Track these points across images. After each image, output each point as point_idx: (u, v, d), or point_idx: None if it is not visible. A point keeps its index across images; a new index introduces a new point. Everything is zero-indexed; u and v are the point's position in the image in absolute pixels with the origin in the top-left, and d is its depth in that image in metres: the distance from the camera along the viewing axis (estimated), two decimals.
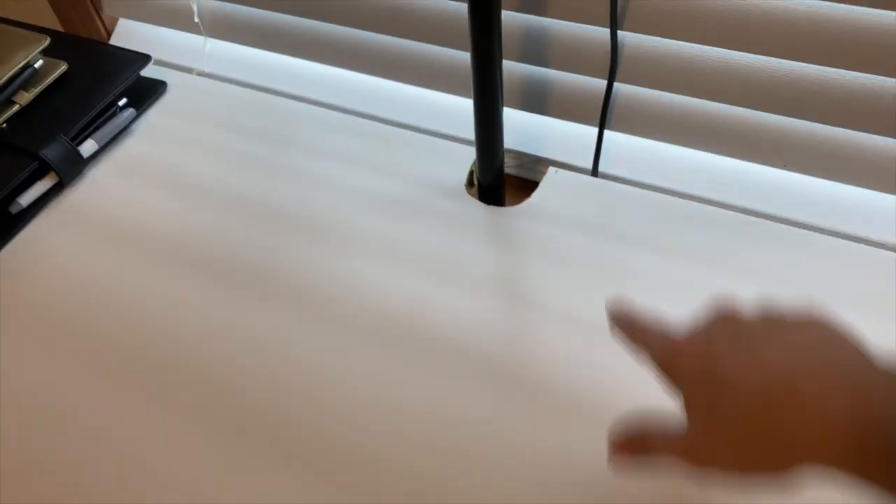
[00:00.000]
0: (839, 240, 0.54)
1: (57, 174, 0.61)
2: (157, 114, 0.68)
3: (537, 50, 0.58)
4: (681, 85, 0.55)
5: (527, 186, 0.60)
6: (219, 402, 0.48)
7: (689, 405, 0.33)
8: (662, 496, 0.42)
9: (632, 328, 0.38)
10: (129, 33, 0.79)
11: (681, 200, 0.57)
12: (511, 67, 0.60)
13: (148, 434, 0.46)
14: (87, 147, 0.63)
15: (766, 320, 0.33)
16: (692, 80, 0.54)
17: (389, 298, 0.52)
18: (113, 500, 0.44)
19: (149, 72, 0.69)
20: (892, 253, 0.53)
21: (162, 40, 0.77)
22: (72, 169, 0.62)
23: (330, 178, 0.61)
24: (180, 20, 0.74)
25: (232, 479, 0.44)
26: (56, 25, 0.80)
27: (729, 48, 0.52)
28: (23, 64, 0.63)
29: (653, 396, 0.46)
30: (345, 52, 0.68)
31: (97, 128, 0.64)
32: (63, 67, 0.65)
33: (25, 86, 0.64)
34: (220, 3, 0.71)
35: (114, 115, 0.66)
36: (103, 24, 0.79)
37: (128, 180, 0.63)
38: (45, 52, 0.65)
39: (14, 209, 0.59)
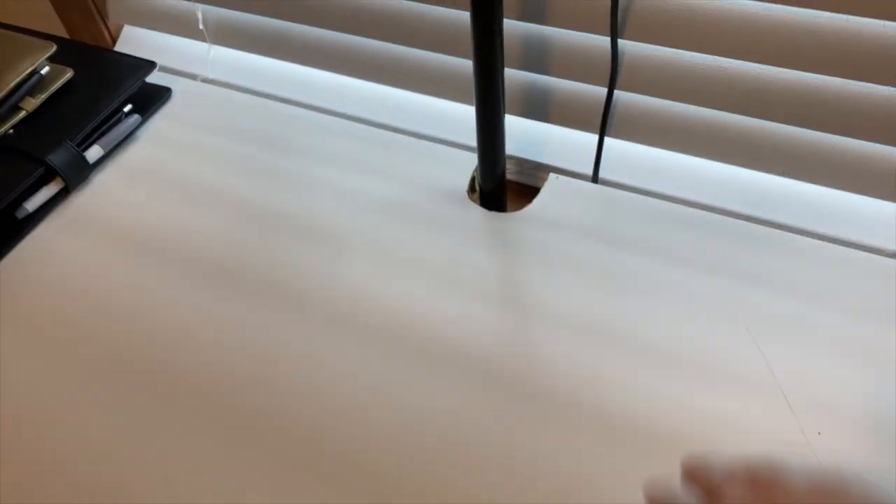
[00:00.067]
0: (839, 246, 0.54)
1: (63, 179, 0.61)
2: (161, 119, 0.69)
3: (538, 58, 0.59)
4: (680, 93, 0.55)
5: (528, 192, 0.61)
6: (222, 404, 0.48)
7: None
8: None
9: None
10: (133, 40, 0.80)
11: (680, 206, 0.58)
12: (512, 75, 0.61)
13: (155, 437, 0.47)
14: (93, 153, 0.64)
15: (802, 491, 0.33)
16: (691, 88, 0.55)
17: (391, 302, 0.53)
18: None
19: (154, 78, 0.70)
20: (891, 260, 0.53)
21: (166, 47, 0.77)
22: (78, 174, 0.62)
23: (332, 184, 0.62)
24: (185, 27, 0.74)
25: (233, 480, 0.45)
26: (62, 32, 0.80)
27: (728, 57, 0.52)
28: (29, 70, 0.64)
29: (652, 400, 0.47)
30: (348, 60, 0.68)
31: (103, 133, 0.65)
32: (69, 74, 0.66)
33: (32, 92, 0.64)
34: (224, 10, 0.71)
35: (119, 120, 0.66)
36: (108, 31, 0.79)
37: (133, 185, 0.63)
38: (52, 59, 0.65)
39: (20, 214, 0.60)
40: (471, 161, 0.61)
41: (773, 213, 0.57)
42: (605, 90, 0.57)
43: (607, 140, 0.60)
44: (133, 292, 0.55)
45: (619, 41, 0.54)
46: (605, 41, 0.54)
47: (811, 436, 0.44)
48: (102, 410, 0.48)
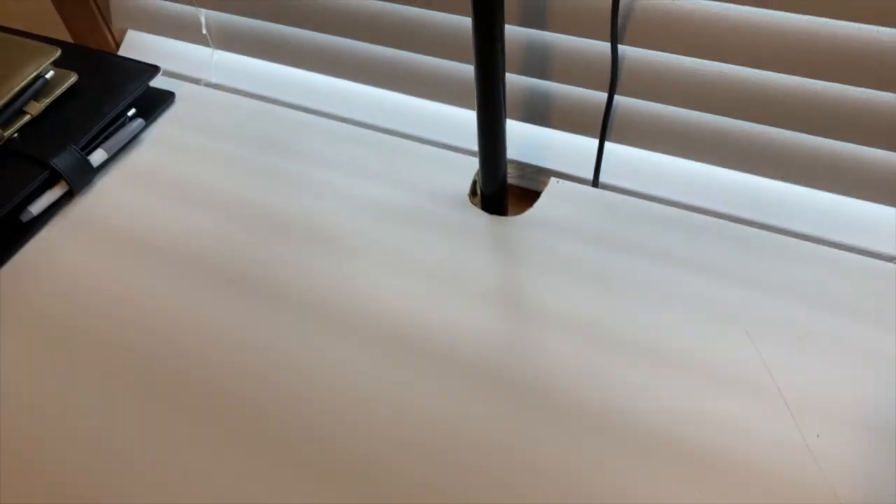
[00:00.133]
0: (838, 251, 0.55)
1: (67, 183, 0.62)
2: (165, 124, 0.69)
3: (539, 63, 0.59)
4: (680, 98, 0.56)
5: (529, 196, 0.61)
6: (225, 405, 0.48)
7: None
8: None
9: None
10: (137, 45, 0.80)
11: (680, 210, 0.58)
12: (514, 80, 0.61)
13: (159, 438, 0.47)
14: (97, 156, 0.64)
15: None
16: (691, 93, 0.55)
17: (393, 306, 0.53)
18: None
19: (157, 82, 0.70)
20: (890, 264, 0.53)
21: (170, 52, 0.78)
22: (82, 178, 0.63)
23: (335, 187, 0.62)
24: (188, 32, 0.75)
25: (235, 480, 0.45)
26: (66, 37, 0.81)
27: (727, 62, 0.52)
28: (34, 75, 0.64)
29: (652, 402, 0.47)
30: (351, 64, 0.69)
31: (107, 137, 0.65)
32: (73, 78, 0.66)
33: (37, 96, 0.65)
34: (227, 15, 0.72)
35: (123, 124, 0.67)
36: (112, 36, 0.80)
37: (136, 189, 0.64)
38: (56, 64, 0.66)
39: (25, 217, 0.60)
40: (472, 165, 0.61)
41: (773, 217, 0.58)
42: (605, 95, 0.57)
43: (608, 144, 0.60)
44: (137, 295, 0.55)
45: (619, 47, 0.55)
46: (606, 46, 0.55)
47: (810, 438, 0.44)
48: (106, 413, 0.49)
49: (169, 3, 0.74)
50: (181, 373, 0.50)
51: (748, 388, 0.47)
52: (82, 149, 0.63)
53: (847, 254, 0.54)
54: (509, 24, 0.57)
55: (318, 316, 0.53)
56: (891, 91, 0.49)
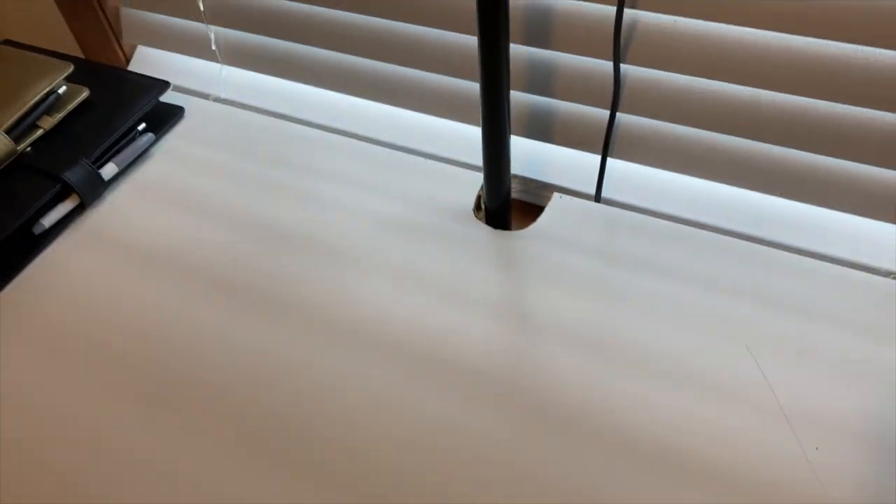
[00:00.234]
0: (838, 266, 0.55)
1: (79, 196, 0.62)
2: (175, 138, 0.70)
3: (543, 81, 0.60)
4: (680, 115, 0.56)
5: (532, 211, 0.61)
6: (232, 415, 0.49)
7: None
8: None
9: None
10: (148, 60, 0.81)
11: (681, 226, 0.59)
12: (518, 97, 0.62)
13: (168, 450, 0.48)
14: (108, 170, 0.65)
15: None
16: (692, 110, 0.56)
17: (397, 319, 0.54)
18: None
19: (167, 97, 0.71)
20: (889, 279, 0.54)
21: (180, 67, 0.78)
22: (93, 191, 0.64)
23: (341, 202, 0.63)
24: (197, 48, 0.76)
25: (242, 489, 0.45)
26: (78, 53, 0.82)
27: (727, 81, 0.53)
28: (47, 90, 0.65)
29: (653, 415, 0.47)
30: (358, 81, 0.70)
31: (117, 151, 0.66)
32: (85, 93, 0.67)
33: (49, 111, 0.65)
34: (236, 32, 0.73)
35: (133, 139, 0.67)
36: (123, 52, 0.81)
37: (146, 202, 0.64)
38: (69, 79, 0.66)
39: (37, 230, 0.61)
40: (477, 180, 0.62)
41: (774, 233, 0.58)
42: (607, 112, 0.58)
43: (610, 161, 0.61)
44: (146, 307, 0.56)
45: (622, 65, 0.55)
46: (608, 65, 0.56)
47: (809, 451, 0.45)
48: (116, 423, 0.49)
49: (179, 20, 0.75)
50: (190, 382, 0.51)
51: (748, 401, 0.47)
52: (94, 162, 0.64)
53: (846, 269, 0.55)
54: (514, 42, 0.58)
55: (322, 327, 0.54)
56: (887, 111, 0.50)
